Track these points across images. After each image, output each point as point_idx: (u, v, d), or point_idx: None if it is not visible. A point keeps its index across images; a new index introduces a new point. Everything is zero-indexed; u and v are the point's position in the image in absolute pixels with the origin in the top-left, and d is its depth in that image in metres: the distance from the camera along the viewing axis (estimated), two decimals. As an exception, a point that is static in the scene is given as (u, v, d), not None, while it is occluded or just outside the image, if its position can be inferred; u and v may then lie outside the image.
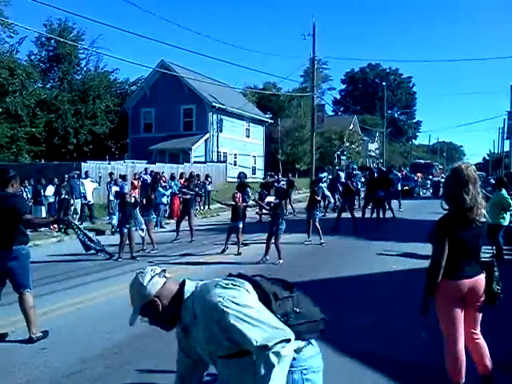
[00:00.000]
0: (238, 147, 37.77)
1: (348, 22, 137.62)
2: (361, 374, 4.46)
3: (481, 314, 3.75)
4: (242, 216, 11.19)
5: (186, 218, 12.87)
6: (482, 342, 3.76)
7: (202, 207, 20.63)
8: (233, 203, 10.98)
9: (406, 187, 28.80)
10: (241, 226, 10.89)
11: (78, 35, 36.52)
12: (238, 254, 10.50)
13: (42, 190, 14.38)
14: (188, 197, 13.22)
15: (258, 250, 10.32)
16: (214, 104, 33.94)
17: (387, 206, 17.31)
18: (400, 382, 4.32)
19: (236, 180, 17.01)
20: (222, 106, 34.57)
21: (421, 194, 32.98)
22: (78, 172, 16.93)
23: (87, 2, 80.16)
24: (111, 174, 17.27)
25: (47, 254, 10.91)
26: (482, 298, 3.67)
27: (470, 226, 3.54)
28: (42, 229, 14.09)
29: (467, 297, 3.62)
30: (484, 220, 3.59)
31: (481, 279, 3.64)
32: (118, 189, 16.04)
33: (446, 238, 3.54)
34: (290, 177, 22.17)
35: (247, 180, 17.54)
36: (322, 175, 21.32)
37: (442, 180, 40.81)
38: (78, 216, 14.95)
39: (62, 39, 31.27)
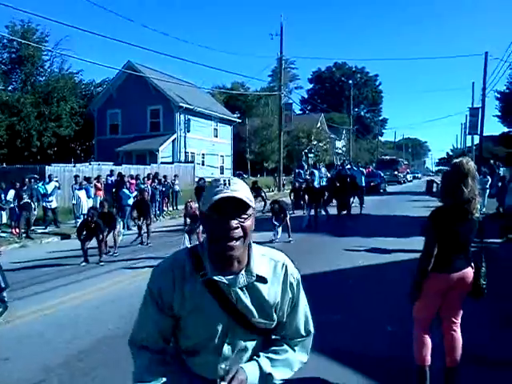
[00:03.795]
0: (206, 147, 37.62)
1: (315, 22, 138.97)
2: (331, 369, 4.49)
3: (461, 305, 3.87)
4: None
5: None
6: (457, 335, 3.86)
7: (169, 208, 20.47)
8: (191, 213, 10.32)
9: (372, 183, 29.26)
10: (196, 225, 10.60)
11: (42, 36, 35.69)
12: None
13: (2, 195, 13.98)
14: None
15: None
16: (181, 104, 33.71)
17: (353, 202, 17.70)
18: (371, 376, 4.37)
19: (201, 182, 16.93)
20: (189, 106, 34.36)
21: (386, 189, 33.50)
22: (35, 175, 16.52)
23: (51, 2, 78.66)
24: (76, 176, 16.94)
25: (10, 260, 10.63)
26: (467, 290, 3.79)
27: (466, 219, 3.64)
28: (4, 234, 13.79)
29: (452, 288, 3.73)
30: (478, 215, 3.69)
31: (468, 272, 3.74)
32: (83, 192, 15.78)
33: (438, 231, 3.63)
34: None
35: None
36: (315, 171, 21.89)
37: (424, 178, 41.22)
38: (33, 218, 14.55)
39: (24, 41, 30.47)
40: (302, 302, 1.91)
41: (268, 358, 1.83)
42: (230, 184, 1.66)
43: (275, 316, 1.82)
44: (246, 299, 1.75)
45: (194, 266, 1.75)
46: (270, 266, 1.81)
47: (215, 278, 1.72)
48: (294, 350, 1.91)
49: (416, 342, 3.88)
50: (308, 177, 19.96)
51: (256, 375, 1.76)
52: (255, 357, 1.82)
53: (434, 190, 20.26)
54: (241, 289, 1.74)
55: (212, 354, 1.80)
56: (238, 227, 1.64)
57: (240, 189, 1.67)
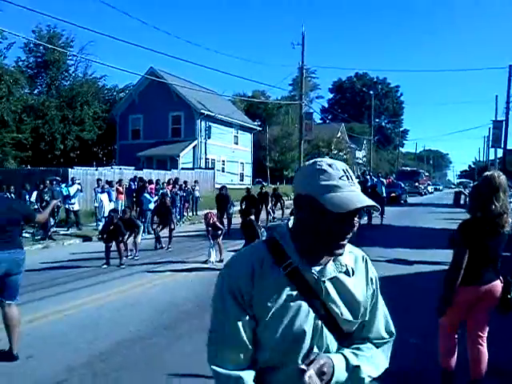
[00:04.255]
0: (226, 154, 37.79)
1: (336, 31, 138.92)
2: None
3: (488, 319, 3.82)
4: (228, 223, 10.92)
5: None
6: (483, 348, 3.80)
7: (189, 213, 20.57)
8: (210, 224, 10.62)
9: (393, 194, 29.00)
10: (219, 232, 10.75)
11: (67, 42, 36.45)
12: (221, 260, 10.38)
13: (26, 196, 14.20)
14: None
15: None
16: (202, 111, 33.95)
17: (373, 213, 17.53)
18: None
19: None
20: (210, 113, 34.58)
21: (408, 200, 33.18)
22: (57, 177, 16.73)
23: (78, 9, 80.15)
24: (99, 180, 17.15)
25: (32, 261, 10.78)
26: (494, 304, 3.74)
27: (496, 233, 3.59)
28: (27, 235, 14.00)
29: (480, 301, 3.69)
30: (509, 228, 3.63)
31: (497, 285, 3.69)
32: (105, 195, 15.95)
33: (468, 244, 3.58)
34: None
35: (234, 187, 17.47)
36: None
37: (455, 189, 40.76)
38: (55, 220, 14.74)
39: (50, 46, 31.10)
40: (381, 299, 1.73)
41: (353, 353, 1.59)
42: (352, 178, 1.48)
43: (360, 313, 1.61)
44: (335, 293, 1.55)
45: (276, 258, 1.52)
46: (352, 259, 1.64)
47: (303, 268, 1.51)
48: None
49: (442, 347, 3.88)
50: None
51: (342, 365, 1.53)
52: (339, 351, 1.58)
53: (462, 202, 19.93)
54: (329, 281, 1.54)
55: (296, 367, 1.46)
56: (355, 225, 1.50)
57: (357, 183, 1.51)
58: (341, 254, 1.52)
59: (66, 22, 23.69)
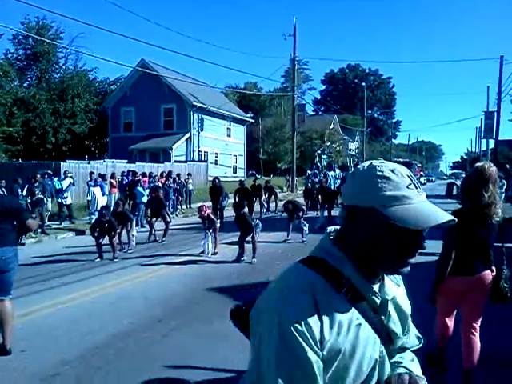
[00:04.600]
0: (219, 146, 37.71)
1: (328, 23, 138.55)
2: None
3: (482, 309, 3.88)
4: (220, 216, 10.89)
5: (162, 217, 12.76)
6: (476, 339, 3.87)
7: (182, 206, 20.55)
8: (205, 216, 10.52)
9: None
10: (218, 225, 10.76)
11: (57, 33, 36.10)
12: (214, 253, 10.39)
13: (19, 190, 14.10)
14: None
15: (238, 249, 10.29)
16: (194, 103, 33.82)
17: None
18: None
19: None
20: (202, 106, 34.46)
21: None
22: (49, 171, 16.62)
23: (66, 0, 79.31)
24: (91, 173, 17.06)
25: (26, 255, 10.74)
26: (486, 294, 3.80)
27: (485, 223, 3.64)
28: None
29: (471, 290, 3.75)
30: (498, 219, 3.68)
31: (487, 274, 3.75)
32: (98, 189, 15.88)
33: (457, 234, 3.62)
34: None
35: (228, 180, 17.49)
36: (329, 173, 21.89)
37: (447, 181, 41.14)
38: (47, 214, 14.67)
39: (39, 37, 30.80)
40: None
41: (411, 360, 1.45)
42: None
43: (407, 327, 1.42)
44: (393, 311, 1.35)
45: (334, 283, 1.24)
46: None
47: (365, 289, 1.27)
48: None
49: (438, 330, 4.07)
50: (323, 178, 20.04)
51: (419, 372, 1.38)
52: (396, 363, 1.40)
53: (454, 193, 20.05)
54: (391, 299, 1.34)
55: None
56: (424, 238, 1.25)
57: None
58: (407, 272, 1.27)
59: (55, 14, 23.51)
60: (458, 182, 22.91)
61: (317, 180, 20.99)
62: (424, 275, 3.86)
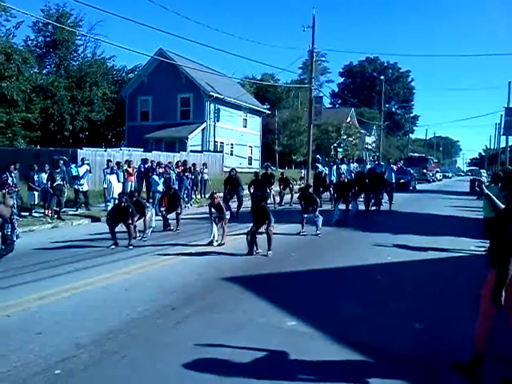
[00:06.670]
0: (235, 137, 37.68)
1: (348, 15, 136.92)
2: (353, 361, 4.47)
3: None
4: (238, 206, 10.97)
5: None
6: None
7: (197, 196, 20.60)
8: (215, 204, 10.72)
9: (402, 180, 28.84)
10: (224, 215, 10.78)
11: (76, 21, 36.16)
12: (221, 244, 10.37)
13: (35, 176, 14.22)
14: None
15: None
16: (211, 93, 33.81)
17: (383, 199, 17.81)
18: (391, 370, 4.32)
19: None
20: (219, 96, 34.43)
21: (416, 187, 32.96)
22: (64, 157, 16.69)
23: (85, -13, 79.33)
24: (109, 161, 17.17)
25: (42, 239, 10.88)
26: None
27: None
28: (37, 214, 14.07)
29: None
30: None
31: None
32: (114, 176, 15.96)
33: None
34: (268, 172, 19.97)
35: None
36: (342, 166, 21.93)
37: (470, 177, 40.62)
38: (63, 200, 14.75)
39: (59, 25, 30.96)
40: None
41: None
42: None
43: None
44: None
45: None
46: None
47: None
48: None
49: (478, 328, 4.01)
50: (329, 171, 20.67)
51: None
52: None
53: (478, 189, 19.87)
54: None
55: None
56: None
57: None
58: None
59: (75, 1, 23.43)
60: (483, 179, 22.62)
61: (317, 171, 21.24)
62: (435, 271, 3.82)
